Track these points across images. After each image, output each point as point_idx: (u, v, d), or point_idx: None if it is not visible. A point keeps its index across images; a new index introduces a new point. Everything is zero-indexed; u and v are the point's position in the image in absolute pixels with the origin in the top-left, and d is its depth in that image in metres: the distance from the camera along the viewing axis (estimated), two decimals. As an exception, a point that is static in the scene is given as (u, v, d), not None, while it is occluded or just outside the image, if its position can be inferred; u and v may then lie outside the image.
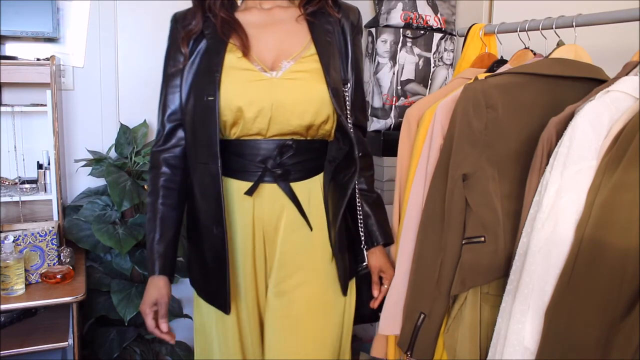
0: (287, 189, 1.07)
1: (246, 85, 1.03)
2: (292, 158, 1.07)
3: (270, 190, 1.08)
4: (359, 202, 1.18)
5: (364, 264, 1.20)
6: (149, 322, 1.09)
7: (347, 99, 1.13)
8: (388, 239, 1.21)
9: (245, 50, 1.06)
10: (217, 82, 1.02)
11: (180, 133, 1.12)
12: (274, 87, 1.03)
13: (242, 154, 1.07)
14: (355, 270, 1.20)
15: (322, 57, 1.07)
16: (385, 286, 1.20)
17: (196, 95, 1.06)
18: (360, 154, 1.14)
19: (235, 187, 1.08)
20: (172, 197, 1.13)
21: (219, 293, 1.07)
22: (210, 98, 1.01)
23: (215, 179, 1.03)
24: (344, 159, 1.09)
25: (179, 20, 1.11)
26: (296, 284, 1.09)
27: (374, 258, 1.20)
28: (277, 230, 1.08)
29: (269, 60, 1.07)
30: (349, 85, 1.13)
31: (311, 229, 1.09)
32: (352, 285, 1.19)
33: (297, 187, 1.09)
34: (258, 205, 1.08)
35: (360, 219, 1.19)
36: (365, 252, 1.20)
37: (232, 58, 1.06)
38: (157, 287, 1.10)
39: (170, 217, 1.12)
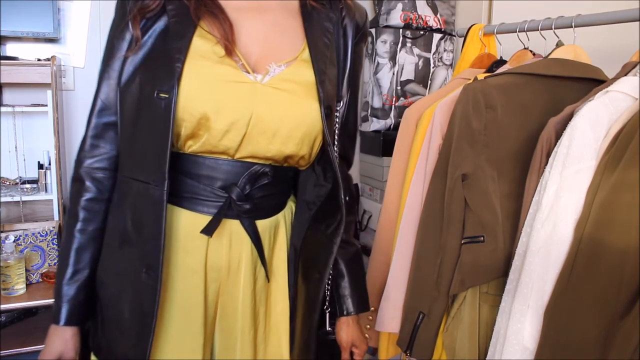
0: (251, 230, 0.83)
1: (220, 85, 0.76)
2: (264, 189, 0.82)
3: (231, 229, 0.82)
4: None
5: (329, 329, 0.97)
6: None
7: (336, 120, 0.89)
8: (362, 308, 0.97)
9: (229, 45, 0.78)
10: (176, 73, 0.74)
11: (114, 136, 0.84)
12: (257, 95, 0.77)
13: (195, 175, 0.80)
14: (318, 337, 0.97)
15: (316, 63, 0.82)
16: None
17: (143, 88, 0.78)
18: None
19: (183, 220, 0.81)
20: (94, 223, 0.84)
21: None
22: (163, 95, 0.74)
23: (157, 207, 0.75)
24: (326, 201, 0.85)
25: None
26: (253, 342, 0.88)
27: (345, 330, 0.96)
28: (238, 281, 0.84)
29: (251, 58, 0.81)
30: (342, 103, 0.89)
31: (268, 279, 0.88)
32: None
33: (261, 226, 0.85)
34: (214, 247, 0.82)
35: (329, 275, 0.94)
36: (327, 315, 0.96)
37: (203, 45, 0.78)
38: (62, 339, 0.82)
39: (89, 249, 0.84)
